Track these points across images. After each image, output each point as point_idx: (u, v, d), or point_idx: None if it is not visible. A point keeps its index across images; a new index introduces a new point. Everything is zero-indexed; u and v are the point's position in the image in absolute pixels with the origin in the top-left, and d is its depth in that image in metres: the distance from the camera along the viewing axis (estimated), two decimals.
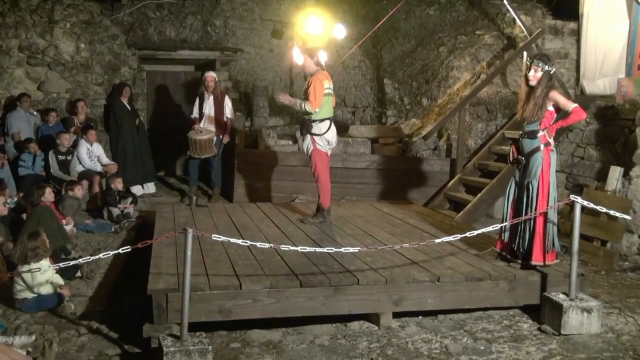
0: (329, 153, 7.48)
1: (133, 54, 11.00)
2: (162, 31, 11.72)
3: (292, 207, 8.62)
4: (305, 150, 7.43)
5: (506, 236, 5.83)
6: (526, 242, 5.65)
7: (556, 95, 5.57)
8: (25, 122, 9.43)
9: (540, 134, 5.60)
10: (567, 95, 7.62)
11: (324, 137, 7.28)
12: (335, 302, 5.11)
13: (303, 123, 7.34)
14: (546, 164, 5.60)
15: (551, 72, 5.58)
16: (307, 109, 7.08)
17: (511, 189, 5.85)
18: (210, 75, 9.88)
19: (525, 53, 9.94)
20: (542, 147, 5.59)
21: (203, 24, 11.91)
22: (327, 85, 7.27)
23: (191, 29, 11.88)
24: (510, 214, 5.81)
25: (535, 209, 5.59)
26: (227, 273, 5.23)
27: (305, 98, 7.14)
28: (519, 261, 5.72)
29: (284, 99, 7.39)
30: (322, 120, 7.24)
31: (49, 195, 7.19)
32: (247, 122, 11.13)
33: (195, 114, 9.85)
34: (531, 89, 5.59)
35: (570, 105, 5.53)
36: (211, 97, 9.78)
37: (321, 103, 7.14)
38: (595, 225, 7.49)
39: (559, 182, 8.94)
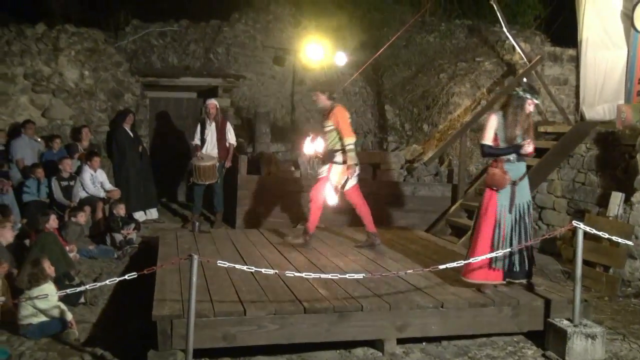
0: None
1: (136, 81, 11.10)
2: (165, 58, 11.84)
3: (295, 233, 8.62)
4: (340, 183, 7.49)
5: (500, 264, 5.67)
6: (527, 264, 5.74)
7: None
8: (29, 148, 9.48)
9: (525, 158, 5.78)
10: None
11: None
12: (340, 329, 5.10)
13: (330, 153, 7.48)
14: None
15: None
16: (351, 142, 7.24)
17: (501, 215, 5.66)
18: (212, 102, 9.97)
19: (524, 79, 10.07)
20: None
21: (205, 51, 12.03)
22: (348, 115, 7.52)
23: (194, 56, 12.00)
24: (503, 241, 5.67)
25: (530, 230, 5.71)
26: (232, 299, 5.23)
27: (337, 135, 7.30)
28: (520, 281, 5.77)
29: (352, 171, 7.36)
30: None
31: (53, 222, 7.24)
32: (249, 148, 11.19)
33: (197, 140, 9.90)
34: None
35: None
36: (213, 124, 9.85)
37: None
38: (597, 251, 7.49)
39: (560, 208, 9.01)
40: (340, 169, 7.37)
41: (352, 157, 7.28)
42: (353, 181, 7.45)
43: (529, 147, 5.64)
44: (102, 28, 11.38)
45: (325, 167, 7.51)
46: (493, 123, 5.67)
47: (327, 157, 7.48)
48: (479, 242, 5.67)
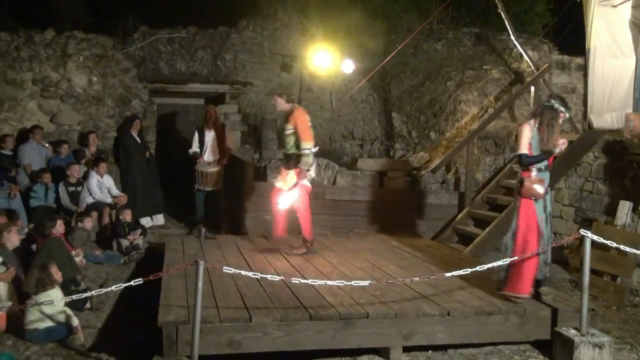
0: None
1: (144, 87, 11.13)
2: (173, 65, 11.89)
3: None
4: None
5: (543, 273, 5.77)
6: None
7: None
8: (36, 153, 9.51)
9: None
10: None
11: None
12: (345, 336, 5.09)
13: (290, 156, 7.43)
14: None
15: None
16: (308, 147, 7.21)
17: (542, 226, 5.66)
18: (211, 107, 9.99)
19: (532, 88, 10.06)
20: None
21: (213, 57, 12.07)
22: (308, 118, 7.47)
23: (201, 63, 12.04)
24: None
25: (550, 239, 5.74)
26: (237, 305, 5.23)
27: (297, 139, 7.27)
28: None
29: (302, 175, 7.35)
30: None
31: (59, 227, 7.25)
32: (256, 155, 11.20)
33: (195, 148, 9.89)
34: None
35: None
36: (212, 130, 9.85)
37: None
38: (605, 260, 7.45)
39: (568, 216, 8.97)
40: (294, 173, 7.32)
41: (306, 162, 7.22)
42: (303, 185, 7.39)
43: (564, 145, 5.73)
44: (110, 34, 11.44)
45: (292, 173, 7.38)
46: (527, 133, 5.65)
47: (291, 163, 7.39)
48: (527, 254, 5.57)
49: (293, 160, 7.36)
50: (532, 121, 5.73)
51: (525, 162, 5.69)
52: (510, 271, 5.61)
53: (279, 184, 7.52)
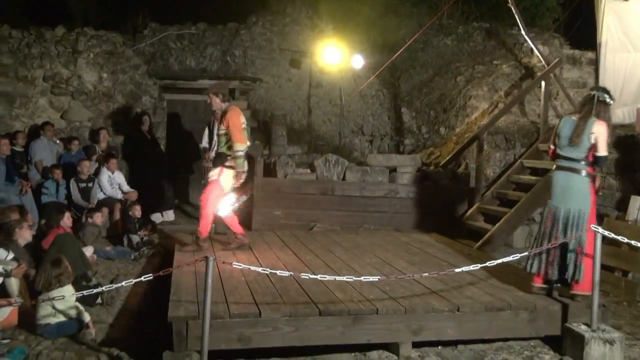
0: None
1: (154, 84, 11.16)
2: (183, 61, 11.92)
3: (310, 235, 8.62)
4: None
5: None
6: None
7: None
8: (48, 150, 9.57)
9: None
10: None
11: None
12: (355, 331, 5.09)
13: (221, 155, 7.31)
14: None
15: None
16: (241, 149, 7.10)
17: None
18: None
19: (543, 83, 9.98)
20: None
21: (222, 53, 12.09)
22: (243, 119, 7.34)
23: (211, 59, 12.06)
24: None
25: None
26: (247, 301, 5.24)
27: (228, 140, 7.16)
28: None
29: (239, 178, 7.22)
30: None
31: (67, 220, 7.28)
32: (266, 151, 11.21)
33: (205, 143, 9.86)
34: None
35: None
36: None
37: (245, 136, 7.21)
38: (616, 255, 7.40)
39: None
40: (231, 174, 7.22)
41: (240, 164, 7.11)
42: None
43: None
44: (120, 31, 11.47)
45: (216, 171, 7.29)
46: (607, 132, 5.48)
47: (218, 160, 7.31)
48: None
49: (220, 159, 7.25)
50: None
51: (606, 163, 5.58)
52: (586, 270, 5.50)
53: (226, 187, 7.30)
